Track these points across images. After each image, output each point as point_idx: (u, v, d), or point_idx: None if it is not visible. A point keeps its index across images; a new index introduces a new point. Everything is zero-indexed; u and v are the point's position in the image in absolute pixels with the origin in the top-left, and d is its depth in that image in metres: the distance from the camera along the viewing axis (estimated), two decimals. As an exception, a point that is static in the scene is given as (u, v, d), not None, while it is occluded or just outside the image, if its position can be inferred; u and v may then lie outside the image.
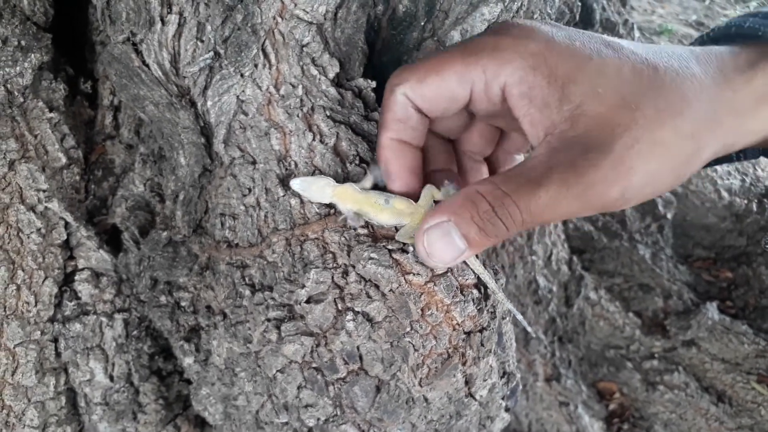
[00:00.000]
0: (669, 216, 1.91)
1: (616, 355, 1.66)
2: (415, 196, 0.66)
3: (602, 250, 1.79)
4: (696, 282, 1.85)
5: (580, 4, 1.04)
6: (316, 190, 0.69)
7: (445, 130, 0.70)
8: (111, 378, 0.82)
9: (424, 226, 0.56)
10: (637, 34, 1.88)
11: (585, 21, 1.69)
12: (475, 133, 0.71)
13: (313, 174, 0.75)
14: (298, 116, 0.77)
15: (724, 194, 1.97)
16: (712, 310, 1.63)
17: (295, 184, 0.70)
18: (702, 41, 0.60)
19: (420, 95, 0.58)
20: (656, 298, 1.71)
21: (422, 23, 0.89)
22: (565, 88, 0.50)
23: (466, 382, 0.73)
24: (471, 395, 0.74)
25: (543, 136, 0.53)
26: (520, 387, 0.86)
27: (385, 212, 0.67)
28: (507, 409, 0.84)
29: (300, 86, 0.77)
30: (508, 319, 0.82)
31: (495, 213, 0.51)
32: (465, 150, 0.72)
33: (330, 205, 0.72)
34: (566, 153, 0.50)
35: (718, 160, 0.68)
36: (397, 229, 0.69)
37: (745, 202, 1.96)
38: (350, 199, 0.68)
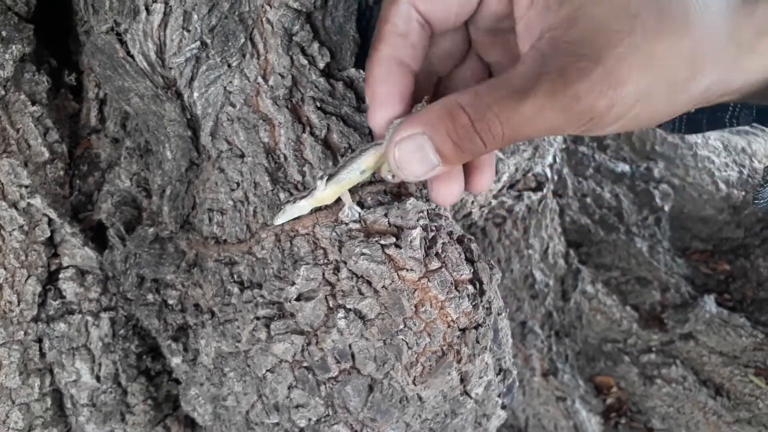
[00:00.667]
0: (666, 208, 1.90)
1: (614, 349, 1.64)
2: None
3: (599, 243, 1.78)
4: (694, 275, 1.84)
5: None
6: (297, 211, 0.67)
7: (437, 60, 0.65)
8: (98, 378, 0.80)
9: (395, 138, 0.51)
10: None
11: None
12: (467, 70, 0.65)
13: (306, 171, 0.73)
14: (287, 107, 0.74)
15: (722, 186, 1.95)
16: (709, 303, 1.62)
17: (279, 220, 0.67)
18: None
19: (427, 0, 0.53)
20: (654, 292, 1.70)
21: (415, 12, 0.86)
22: None
23: (462, 380, 0.71)
24: (466, 393, 0.73)
25: (536, 40, 0.49)
26: (517, 384, 0.85)
27: (366, 175, 0.63)
28: (503, 407, 0.82)
29: (289, 76, 0.75)
30: (504, 315, 0.81)
31: (474, 128, 0.47)
32: (452, 90, 0.65)
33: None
34: (557, 59, 0.46)
35: (711, 125, 0.65)
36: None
37: (743, 193, 1.95)
38: (333, 195, 0.65)
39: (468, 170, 0.65)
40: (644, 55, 0.46)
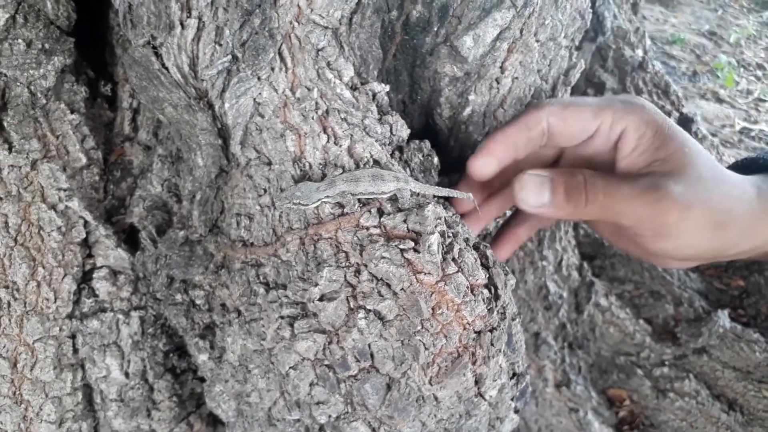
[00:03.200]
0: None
1: (627, 362, 1.65)
2: (475, 189, 0.84)
3: (613, 256, 1.79)
4: (707, 290, 1.84)
5: (591, 11, 1.05)
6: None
7: (531, 162, 0.84)
8: (126, 375, 0.84)
9: (524, 174, 0.72)
10: (648, 42, 1.89)
11: (596, 29, 1.70)
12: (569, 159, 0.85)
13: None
14: (312, 118, 0.78)
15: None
16: (723, 317, 1.62)
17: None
18: (737, 167, 0.81)
19: (561, 118, 0.76)
20: (667, 306, 1.70)
21: (435, 28, 0.90)
22: (665, 141, 0.71)
23: (476, 382, 0.74)
24: (480, 395, 0.75)
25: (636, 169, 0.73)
26: (530, 388, 0.87)
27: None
28: (516, 411, 0.84)
29: (315, 89, 0.79)
30: (517, 320, 0.83)
31: (584, 185, 0.68)
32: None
33: (342, 205, 0.74)
34: (653, 179, 0.68)
35: None
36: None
37: (758, 210, 1.94)
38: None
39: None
40: (700, 207, 0.66)
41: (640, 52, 1.83)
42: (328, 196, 0.72)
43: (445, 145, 1.01)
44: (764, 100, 3.16)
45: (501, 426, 0.83)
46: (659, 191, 0.66)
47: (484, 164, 0.78)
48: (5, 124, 0.79)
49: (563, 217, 0.72)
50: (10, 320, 0.76)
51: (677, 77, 3.33)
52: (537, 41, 0.93)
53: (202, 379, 0.85)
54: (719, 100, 3.17)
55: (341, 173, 0.75)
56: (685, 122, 1.92)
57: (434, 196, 0.82)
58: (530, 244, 1.50)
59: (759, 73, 3.51)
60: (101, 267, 0.83)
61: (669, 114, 1.89)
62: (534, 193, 0.71)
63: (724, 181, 0.70)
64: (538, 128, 0.77)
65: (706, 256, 0.74)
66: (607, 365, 1.67)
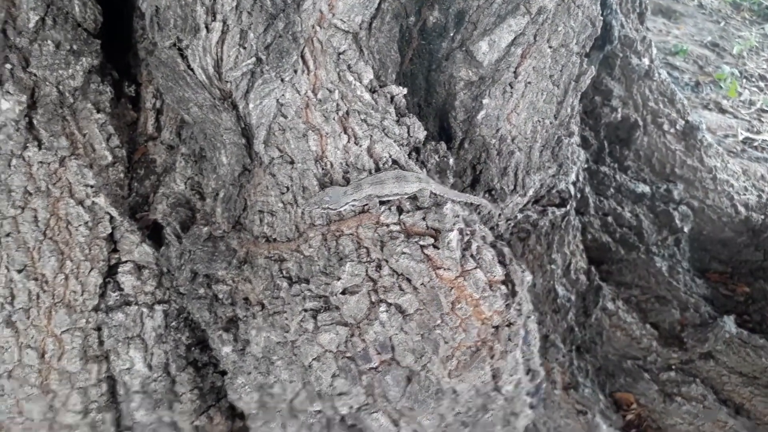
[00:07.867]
0: (686, 229, 1.92)
1: (634, 366, 1.66)
2: None
3: (620, 261, 1.81)
4: (713, 295, 1.85)
5: (601, 19, 1.08)
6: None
7: None
8: (149, 367, 0.86)
9: None
10: (654, 51, 1.92)
11: (604, 38, 1.72)
12: None
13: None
14: (334, 119, 0.80)
15: (741, 209, 1.98)
16: (729, 323, 1.63)
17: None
18: None
19: None
20: (673, 310, 1.72)
21: (452, 34, 0.93)
22: None
23: (494, 376, 0.76)
24: (497, 389, 0.77)
25: None
26: (545, 385, 0.88)
27: None
28: (531, 407, 0.86)
29: (336, 91, 0.81)
30: (533, 317, 0.85)
31: None
32: None
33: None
34: None
35: None
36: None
37: (762, 217, 1.96)
38: None
39: None
40: None
41: (646, 61, 1.86)
42: (355, 200, 0.75)
43: (460, 147, 1.03)
44: (767, 111, 3.19)
45: (516, 421, 0.84)
46: None
47: None
48: (35, 122, 0.81)
49: None
50: (39, 311, 0.79)
51: (680, 87, 3.35)
52: (550, 47, 0.95)
53: (223, 373, 0.87)
54: (722, 111, 3.20)
55: (366, 176, 0.77)
56: (691, 130, 1.94)
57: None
58: (539, 247, 1.52)
59: (762, 84, 3.54)
60: (126, 261, 0.86)
61: (674, 122, 1.92)
62: None
63: None
64: None
65: None
66: (614, 369, 1.68)
